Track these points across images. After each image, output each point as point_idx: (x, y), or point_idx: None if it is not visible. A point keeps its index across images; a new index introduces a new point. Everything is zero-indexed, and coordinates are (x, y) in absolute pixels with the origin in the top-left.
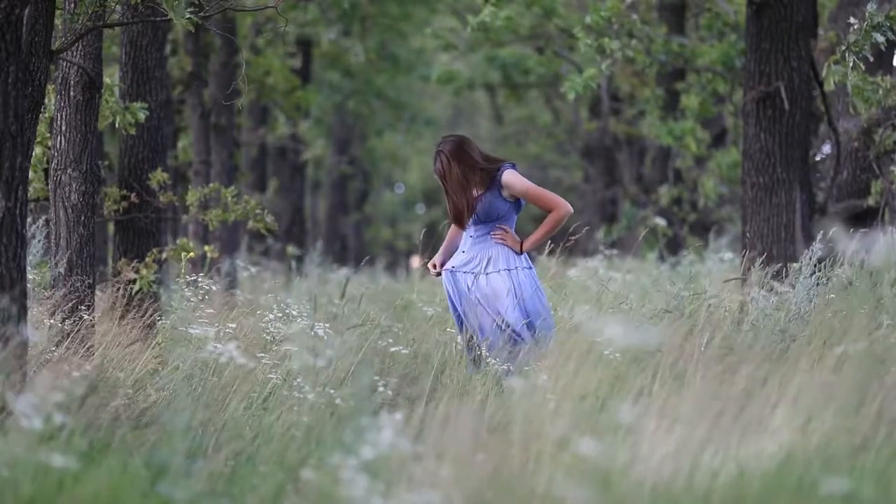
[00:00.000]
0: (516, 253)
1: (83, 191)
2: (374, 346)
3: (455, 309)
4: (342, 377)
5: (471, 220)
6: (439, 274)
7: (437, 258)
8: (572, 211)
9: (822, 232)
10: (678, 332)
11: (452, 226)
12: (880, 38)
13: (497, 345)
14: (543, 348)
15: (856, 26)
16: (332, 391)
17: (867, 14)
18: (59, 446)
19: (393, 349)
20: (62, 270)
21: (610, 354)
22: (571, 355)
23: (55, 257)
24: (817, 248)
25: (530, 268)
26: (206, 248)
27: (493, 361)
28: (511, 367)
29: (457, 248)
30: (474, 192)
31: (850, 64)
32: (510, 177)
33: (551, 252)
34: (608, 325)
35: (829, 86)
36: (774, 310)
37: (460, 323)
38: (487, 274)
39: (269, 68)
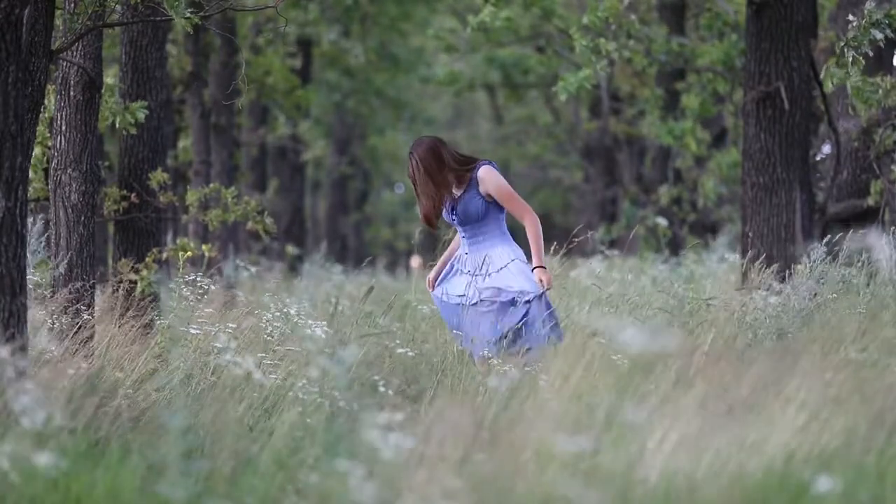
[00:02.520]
0: (515, 250)
1: (83, 191)
2: (375, 346)
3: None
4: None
5: (455, 222)
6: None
7: (432, 274)
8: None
9: (821, 232)
10: (680, 332)
11: (456, 236)
12: (879, 35)
13: (494, 346)
14: (549, 346)
15: (854, 23)
16: (334, 392)
17: (866, 11)
18: (59, 446)
19: (398, 350)
20: (62, 270)
21: (615, 357)
22: (573, 356)
23: (55, 257)
24: (817, 248)
25: (526, 263)
26: (205, 247)
27: (497, 362)
28: (513, 368)
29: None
30: (453, 193)
31: (850, 59)
32: (484, 172)
33: (553, 252)
34: (615, 327)
35: (828, 87)
36: (775, 310)
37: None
38: (489, 275)
39: (269, 68)
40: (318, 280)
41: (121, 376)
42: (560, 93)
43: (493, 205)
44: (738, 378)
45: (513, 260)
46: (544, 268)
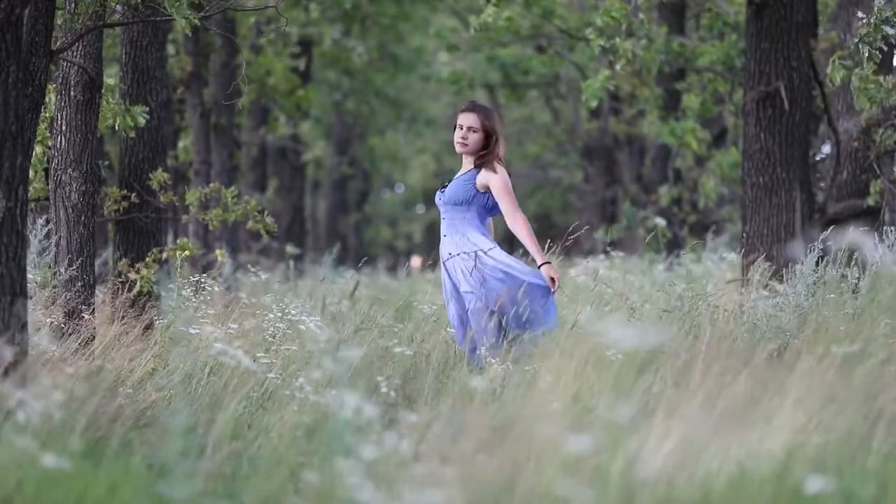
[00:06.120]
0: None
1: (83, 191)
2: (375, 345)
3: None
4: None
5: (442, 202)
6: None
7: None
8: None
9: (821, 232)
10: (679, 332)
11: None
12: (890, 31)
13: (476, 336)
14: (532, 344)
15: (864, 20)
16: (332, 391)
17: (876, 9)
18: (60, 446)
19: (396, 350)
20: (62, 270)
21: (612, 355)
22: (573, 355)
23: (55, 257)
24: (817, 248)
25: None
26: (218, 252)
27: (488, 357)
28: (500, 361)
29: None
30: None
31: (866, 54)
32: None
33: (550, 250)
34: (615, 326)
35: (835, 81)
36: (774, 310)
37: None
38: (459, 256)
39: (270, 68)
40: (317, 280)
41: (121, 376)
42: (589, 101)
43: (481, 197)
44: (737, 377)
45: (482, 250)
46: (546, 264)
